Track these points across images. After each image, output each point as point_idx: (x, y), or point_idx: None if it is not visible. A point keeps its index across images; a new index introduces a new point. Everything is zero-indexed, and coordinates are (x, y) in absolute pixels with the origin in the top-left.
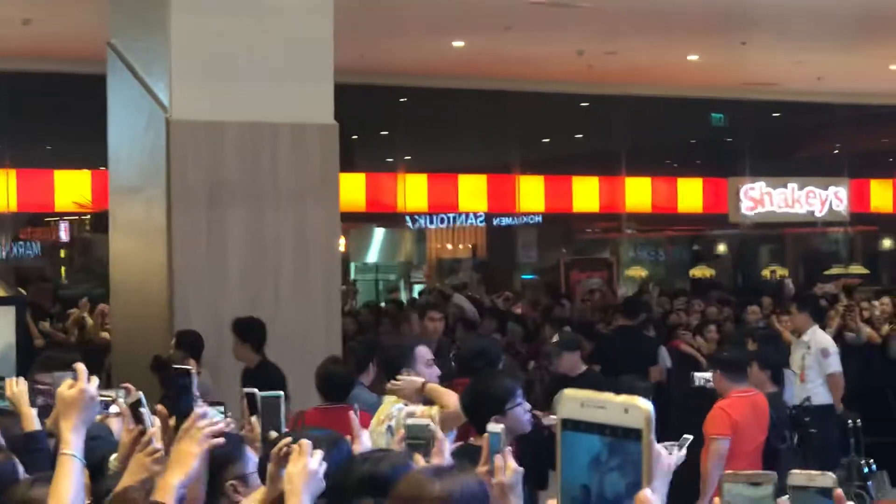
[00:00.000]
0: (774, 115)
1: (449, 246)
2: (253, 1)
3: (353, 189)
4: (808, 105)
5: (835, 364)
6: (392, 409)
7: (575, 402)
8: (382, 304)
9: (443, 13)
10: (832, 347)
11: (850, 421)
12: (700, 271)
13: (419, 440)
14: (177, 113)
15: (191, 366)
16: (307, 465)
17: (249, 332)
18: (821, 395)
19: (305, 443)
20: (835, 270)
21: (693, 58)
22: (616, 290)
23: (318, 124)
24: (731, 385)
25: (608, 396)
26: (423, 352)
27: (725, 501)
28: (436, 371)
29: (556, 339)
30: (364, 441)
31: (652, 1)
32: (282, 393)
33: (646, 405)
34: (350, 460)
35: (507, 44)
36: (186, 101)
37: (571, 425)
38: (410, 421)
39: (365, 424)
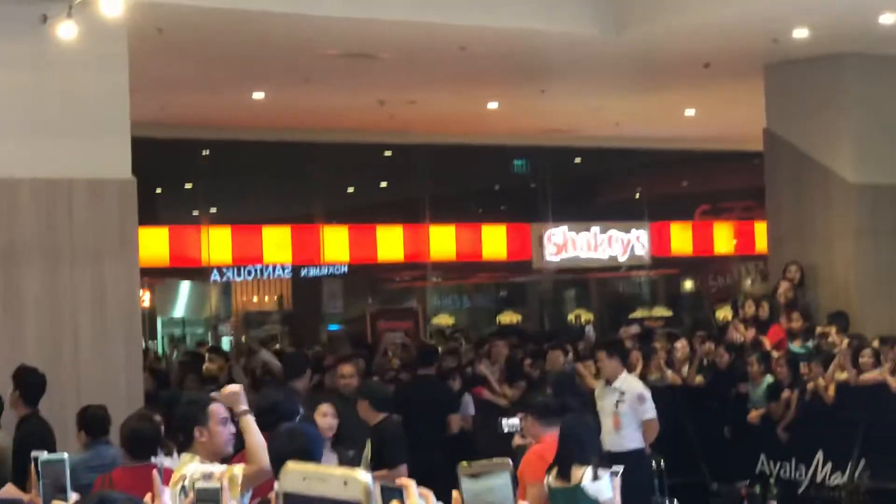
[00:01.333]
0: (575, 160)
1: (255, 298)
2: (45, 53)
3: (156, 243)
4: (607, 150)
5: (651, 410)
6: (187, 468)
7: (297, 475)
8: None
9: (241, 65)
10: (647, 393)
11: (653, 462)
12: (507, 317)
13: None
14: None
15: None
16: None
17: (19, 380)
18: (635, 441)
19: None
20: (639, 313)
21: (493, 105)
22: (421, 339)
23: (115, 179)
24: (545, 429)
25: (329, 470)
26: (218, 409)
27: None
28: (230, 429)
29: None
30: (165, 501)
31: (450, 51)
32: (65, 455)
33: (364, 478)
34: None
35: (307, 95)
36: None
37: (292, 500)
38: (200, 484)
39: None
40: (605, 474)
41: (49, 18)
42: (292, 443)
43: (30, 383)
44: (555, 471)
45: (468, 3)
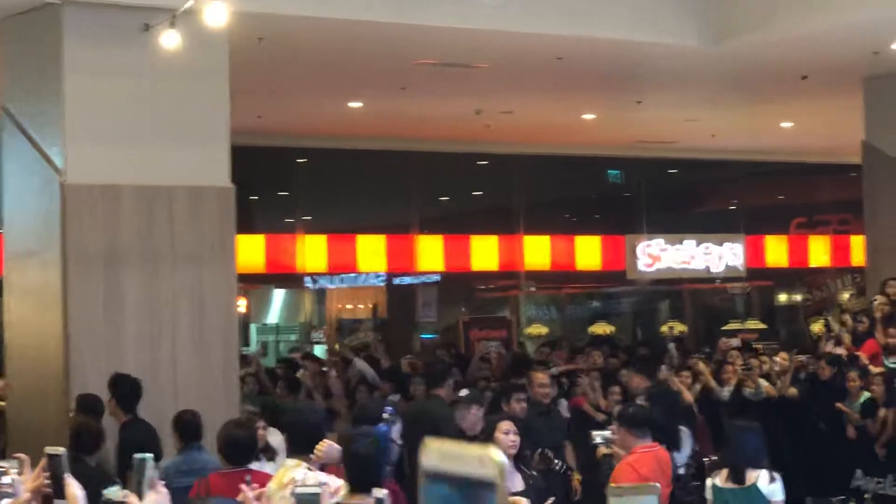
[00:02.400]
0: (670, 171)
1: (349, 306)
2: (147, 63)
3: (252, 250)
4: (703, 162)
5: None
6: (296, 472)
7: (436, 453)
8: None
9: (339, 74)
10: None
11: None
12: (599, 328)
13: None
14: (71, 177)
15: (60, 451)
16: None
17: (114, 389)
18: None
19: None
20: (732, 325)
21: (589, 116)
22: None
23: (214, 187)
24: (636, 441)
25: (465, 449)
26: None
27: None
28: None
29: (464, 392)
30: None
31: (547, 61)
32: (148, 455)
33: (499, 457)
34: None
35: (403, 104)
36: (81, 164)
37: (432, 475)
38: (299, 490)
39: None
40: (778, 478)
41: (151, 27)
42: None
43: (125, 390)
44: (724, 473)
45: (565, 14)
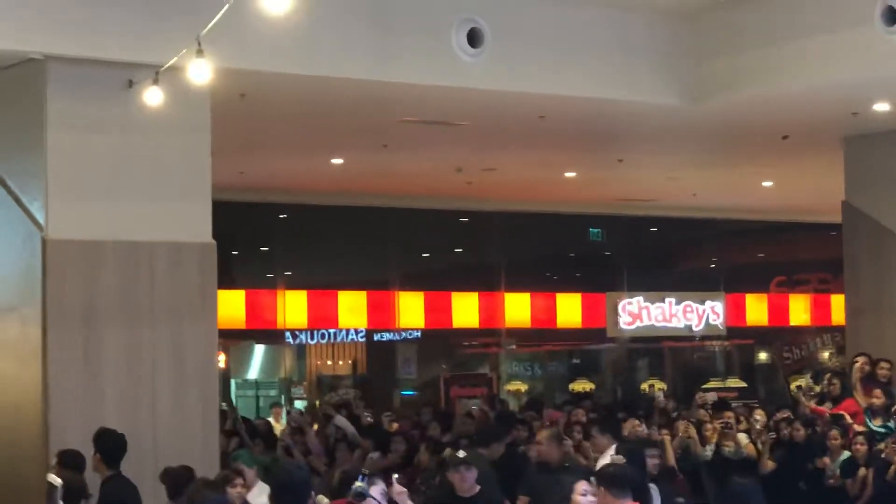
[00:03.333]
0: (651, 229)
1: (329, 362)
2: (130, 119)
3: (232, 305)
4: (683, 220)
5: None
6: None
7: None
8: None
9: (321, 131)
10: None
11: None
12: (580, 385)
13: None
14: (53, 232)
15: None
16: None
17: (99, 443)
18: None
19: None
20: (712, 383)
21: (571, 174)
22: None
23: (196, 243)
24: (616, 500)
25: None
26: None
27: None
28: None
29: (461, 454)
30: None
31: (529, 119)
32: None
33: None
34: None
35: (385, 161)
36: (63, 219)
37: None
38: None
39: None
40: None
41: (135, 83)
42: None
43: (110, 445)
44: None
45: (548, 73)
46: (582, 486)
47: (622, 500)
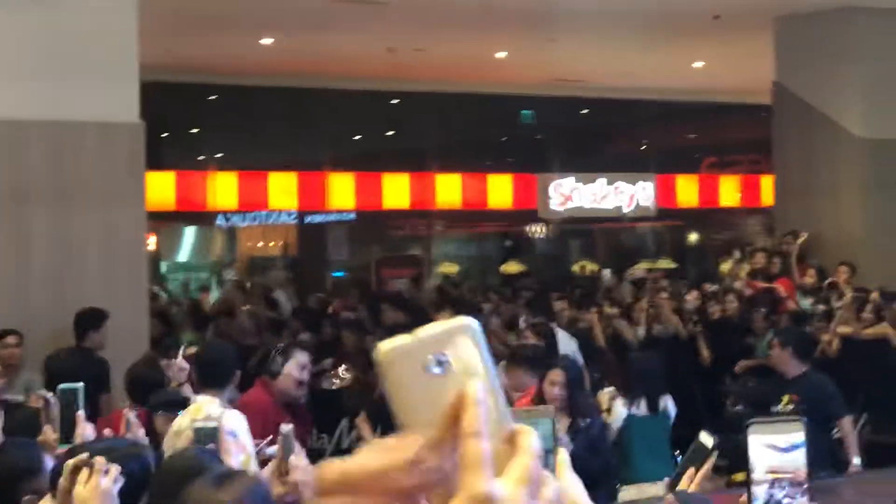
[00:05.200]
0: (583, 112)
1: (260, 244)
2: None
3: (162, 188)
4: (615, 102)
5: None
6: (210, 408)
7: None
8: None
9: (251, 10)
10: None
11: None
12: (511, 267)
13: (205, 444)
14: None
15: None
16: (98, 485)
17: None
18: None
19: (99, 460)
20: (643, 264)
21: (502, 54)
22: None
23: (123, 123)
24: (532, 380)
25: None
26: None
27: None
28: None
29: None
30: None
31: None
32: (81, 384)
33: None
34: (152, 467)
35: (315, 41)
36: None
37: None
38: (198, 424)
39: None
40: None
41: None
42: None
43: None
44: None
45: None
46: (554, 374)
47: (535, 379)
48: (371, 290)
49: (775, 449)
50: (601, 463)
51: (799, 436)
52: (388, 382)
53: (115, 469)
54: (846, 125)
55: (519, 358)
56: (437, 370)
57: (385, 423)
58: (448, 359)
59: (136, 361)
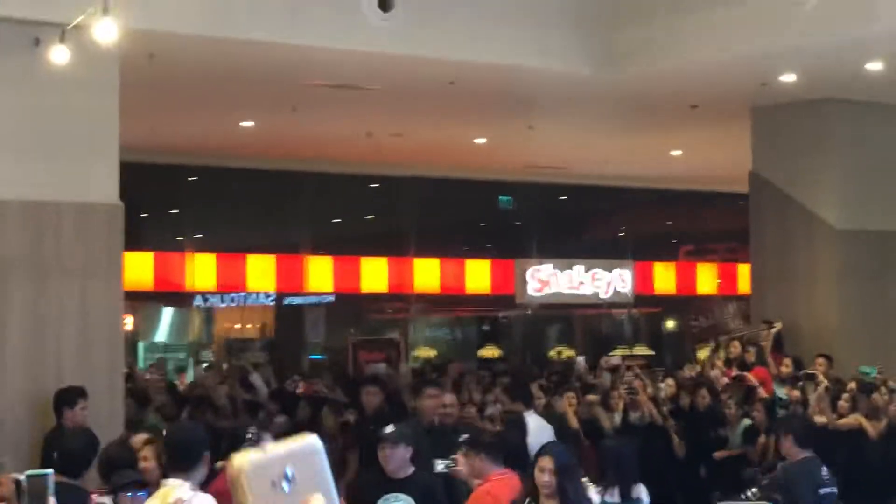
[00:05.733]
0: (561, 198)
1: (238, 325)
2: (36, 77)
3: (140, 268)
4: (593, 188)
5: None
6: (180, 492)
7: None
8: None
9: (230, 93)
10: (533, 437)
11: None
12: (489, 351)
13: None
14: None
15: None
16: None
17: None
18: None
19: None
20: (620, 351)
21: (481, 140)
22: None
23: (103, 203)
24: (490, 467)
25: None
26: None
27: None
28: None
29: (390, 428)
30: None
31: (439, 85)
32: (50, 471)
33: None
34: None
35: (295, 124)
36: None
37: None
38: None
39: None
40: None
41: (42, 41)
42: None
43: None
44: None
45: (459, 39)
46: (543, 461)
47: (495, 467)
48: (346, 373)
49: None
50: None
51: None
52: (238, 493)
53: None
54: (822, 215)
55: (478, 445)
56: (285, 486)
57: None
58: (294, 475)
59: (111, 442)
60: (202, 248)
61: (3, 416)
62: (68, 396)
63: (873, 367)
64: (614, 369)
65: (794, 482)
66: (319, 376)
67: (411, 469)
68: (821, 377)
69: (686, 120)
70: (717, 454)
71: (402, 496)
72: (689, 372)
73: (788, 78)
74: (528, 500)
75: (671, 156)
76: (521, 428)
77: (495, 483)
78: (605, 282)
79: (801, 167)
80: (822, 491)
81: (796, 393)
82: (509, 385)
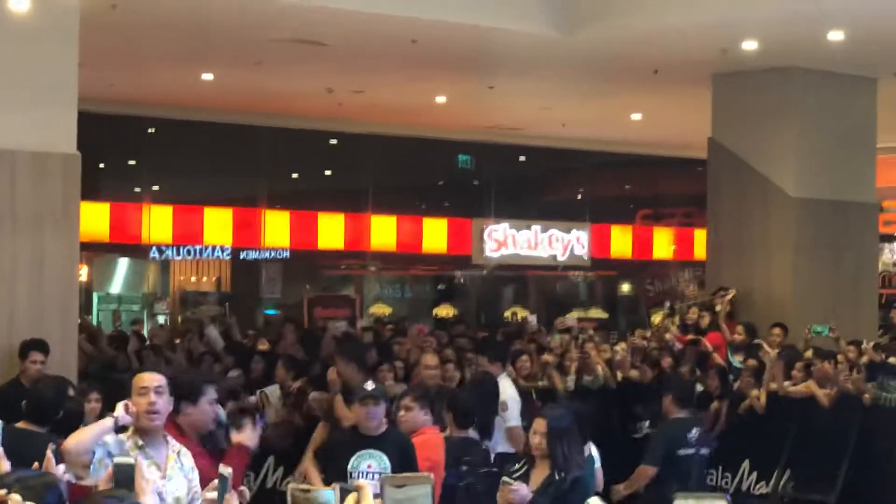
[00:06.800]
0: (520, 158)
1: (193, 279)
2: None
3: (97, 218)
4: (552, 150)
5: (513, 418)
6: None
7: None
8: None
9: (192, 46)
10: (511, 400)
11: None
12: (444, 310)
13: (122, 480)
14: None
15: None
16: None
17: None
18: (500, 446)
19: (14, 498)
20: (575, 313)
21: (441, 99)
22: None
23: (59, 153)
24: (460, 430)
25: None
26: (210, 389)
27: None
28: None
29: (370, 385)
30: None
31: (400, 43)
32: None
33: None
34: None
35: (256, 78)
36: None
37: None
38: (117, 459)
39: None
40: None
41: None
42: None
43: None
44: None
45: None
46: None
47: (465, 430)
48: (307, 330)
49: None
50: None
51: None
52: None
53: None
54: (779, 183)
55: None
56: None
57: (335, 466)
58: None
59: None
60: (159, 199)
61: None
62: (22, 348)
63: (825, 325)
64: (568, 330)
65: (652, 441)
66: (279, 332)
67: (384, 426)
68: (767, 348)
69: (647, 84)
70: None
71: (375, 452)
72: (640, 336)
73: (750, 45)
74: (523, 461)
75: (631, 120)
76: (487, 387)
77: (428, 437)
78: (562, 244)
79: (759, 135)
80: (681, 452)
81: (752, 361)
82: (487, 345)
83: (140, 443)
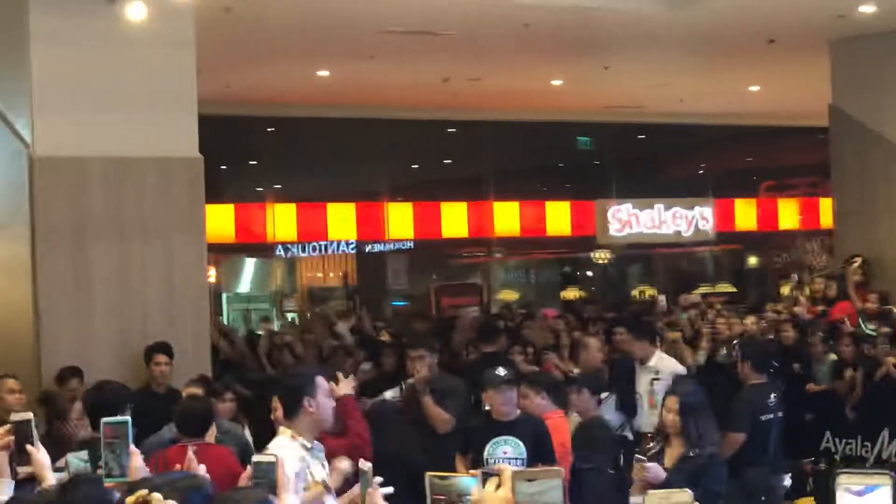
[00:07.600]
0: (639, 137)
1: (319, 274)
2: (114, 33)
3: (221, 220)
4: (671, 126)
5: None
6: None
7: None
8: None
9: (306, 43)
10: (683, 371)
11: None
12: (571, 293)
13: (263, 479)
14: (39, 149)
15: (29, 416)
16: None
17: None
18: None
19: (156, 497)
20: (702, 289)
21: (557, 82)
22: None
23: (182, 158)
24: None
25: None
26: (323, 381)
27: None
28: (332, 402)
29: (501, 371)
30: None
31: (514, 28)
32: (127, 418)
33: None
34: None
35: (371, 72)
36: (49, 136)
37: None
38: (256, 458)
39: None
40: None
41: None
42: None
43: None
44: None
45: None
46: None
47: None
48: (438, 318)
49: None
50: (700, 494)
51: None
52: None
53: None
54: None
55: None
56: None
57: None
58: None
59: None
60: (282, 198)
61: (93, 373)
62: (146, 352)
63: None
64: (693, 306)
65: (735, 408)
66: (406, 324)
67: (517, 412)
68: None
69: (763, 55)
70: (809, 387)
71: (511, 439)
72: (771, 309)
73: (867, 9)
74: (658, 438)
75: (749, 91)
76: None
77: (556, 422)
78: (686, 220)
79: (880, 99)
80: (764, 417)
81: (886, 328)
82: (632, 324)
83: (308, 445)
